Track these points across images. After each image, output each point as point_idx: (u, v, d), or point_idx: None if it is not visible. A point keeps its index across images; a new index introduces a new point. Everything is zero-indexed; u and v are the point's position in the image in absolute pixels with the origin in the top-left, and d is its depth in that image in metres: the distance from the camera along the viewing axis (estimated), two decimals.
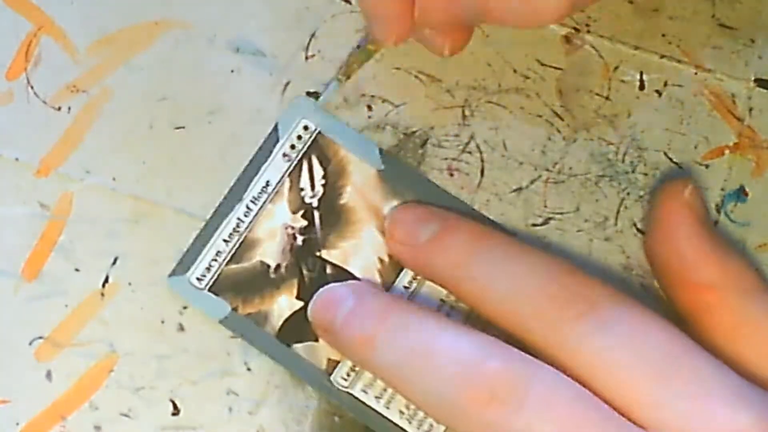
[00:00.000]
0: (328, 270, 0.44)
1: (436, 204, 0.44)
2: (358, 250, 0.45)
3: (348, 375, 0.43)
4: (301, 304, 0.44)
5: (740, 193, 0.46)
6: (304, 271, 0.44)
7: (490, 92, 0.46)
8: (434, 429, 0.42)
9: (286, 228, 0.45)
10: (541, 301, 0.39)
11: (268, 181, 0.45)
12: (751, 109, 0.47)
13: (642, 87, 0.47)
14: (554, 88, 0.47)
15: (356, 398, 0.43)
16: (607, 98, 0.47)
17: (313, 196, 0.45)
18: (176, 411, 0.44)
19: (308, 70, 0.46)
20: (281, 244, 0.45)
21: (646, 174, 0.46)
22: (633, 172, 0.46)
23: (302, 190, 0.45)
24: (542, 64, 0.47)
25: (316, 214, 0.45)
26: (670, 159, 0.46)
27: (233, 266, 0.44)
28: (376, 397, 0.43)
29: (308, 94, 0.46)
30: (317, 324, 0.43)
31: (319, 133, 0.45)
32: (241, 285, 0.44)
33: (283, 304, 0.44)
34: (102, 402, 0.43)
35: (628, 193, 0.46)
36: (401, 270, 0.44)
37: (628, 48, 0.47)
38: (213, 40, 0.46)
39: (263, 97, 0.46)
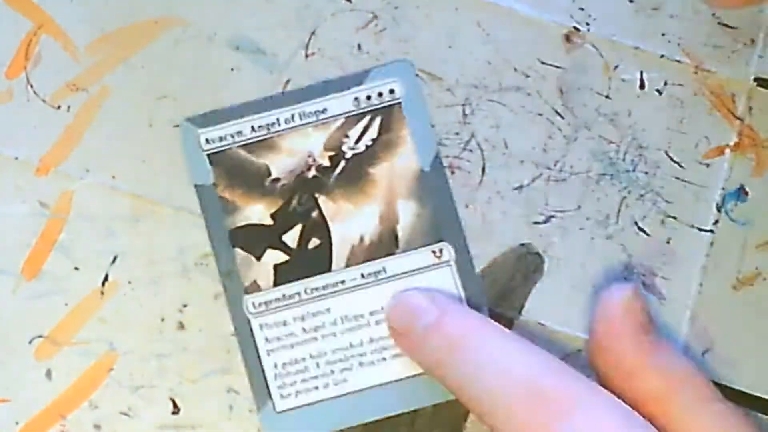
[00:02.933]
0: (313, 214, 0.44)
1: (445, 226, 0.45)
2: (350, 218, 0.44)
3: (259, 305, 0.43)
4: (270, 222, 0.44)
5: (740, 193, 0.46)
6: (293, 201, 0.44)
7: (491, 91, 0.46)
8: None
9: (309, 156, 0.45)
10: (514, 403, 0.38)
11: (325, 109, 0.45)
12: (751, 109, 0.47)
13: (642, 86, 0.47)
14: (555, 87, 0.47)
15: (250, 327, 0.43)
16: (607, 97, 0.47)
17: (351, 149, 0.45)
18: (176, 409, 0.43)
19: (308, 69, 0.46)
20: (294, 165, 0.44)
21: (646, 173, 0.46)
22: (634, 170, 0.46)
23: (347, 137, 0.45)
24: (543, 63, 0.47)
25: (342, 164, 0.45)
26: (671, 158, 0.46)
27: (242, 152, 0.44)
28: (266, 339, 0.43)
29: None
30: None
31: (399, 103, 0.45)
32: (236, 171, 0.44)
33: (256, 213, 0.44)
34: (102, 401, 0.43)
35: (629, 192, 0.46)
36: (369, 260, 0.44)
37: (629, 47, 0.47)
38: (213, 38, 0.46)
39: (263, 95, 0.46)
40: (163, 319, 0.44)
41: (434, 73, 0.46)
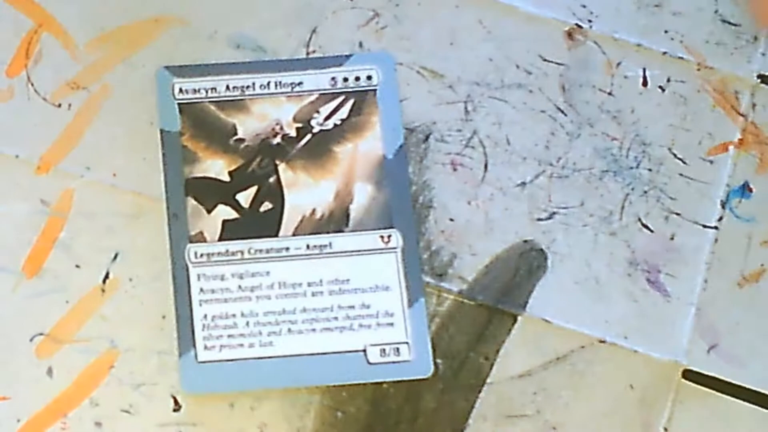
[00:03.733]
0: (271, 179, 0.45)
1: (398, 214, 0.45)
2: (305, 190, 0.45)
3: (200, 257, 0.44)
4: (227, 179, 0.44)
5: (745, 189, 0.46)
6: (254, 163, 0.45)
7: (493, 88, 0.46)
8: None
9: (277, 124, 0.45)
10: None
11: (302, 82, 0.45)
12: (754, 106, 0.47)
13: (645, 83, 0.47)
14: (557, 84, 0.46)
15: (188, 276, 0.44)
16: (610, 94, 0.46)
17: (320, 125, 0.45)
18: (177, 407, 0.43)
19: None
20: (260, 130, 0.45)
21: (650, 169, 0.46)
22: (637, 167, 0.46)
23: (317, 113, 0.45)
24: (545, 60, 0.47)
25: (308, 137, 0.45)
26: (674, 155, 0.46)
27: (213, 107, 0.45)
28: (201, 290, 0.43)
29: None
30: None
31: (374, 90, 0.45)
32: (204, 124, 0.45)
33: (215, 167, 0.45)
34: (102, 398, 0.43)
35: (633, 189, 0.46)
36: (316, 233, 0.44)
37: (631, 44, 0.47)
38: (213, 36, 0.46)
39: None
40: (164, 317, 0.44)
41: (436, 71, 0.46)
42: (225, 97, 0.45)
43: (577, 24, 0.47)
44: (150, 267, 0.44)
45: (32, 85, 0.45)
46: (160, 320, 0.44)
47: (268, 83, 0.45)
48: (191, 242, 0.44)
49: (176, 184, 0.44)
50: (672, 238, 0.45)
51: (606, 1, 0.47)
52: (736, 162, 0.46)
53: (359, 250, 0.44)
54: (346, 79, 0.45)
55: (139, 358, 0.43)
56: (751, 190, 0.46)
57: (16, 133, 0.45)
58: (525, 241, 0.45)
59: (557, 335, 0.44)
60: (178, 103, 0.44)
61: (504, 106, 0.46)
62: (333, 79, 0.45)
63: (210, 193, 0.44)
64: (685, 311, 0.45)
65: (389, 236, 0.44)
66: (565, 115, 0.46)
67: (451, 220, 0.45)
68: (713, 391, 0.44)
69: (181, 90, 0.45)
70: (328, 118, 0.45)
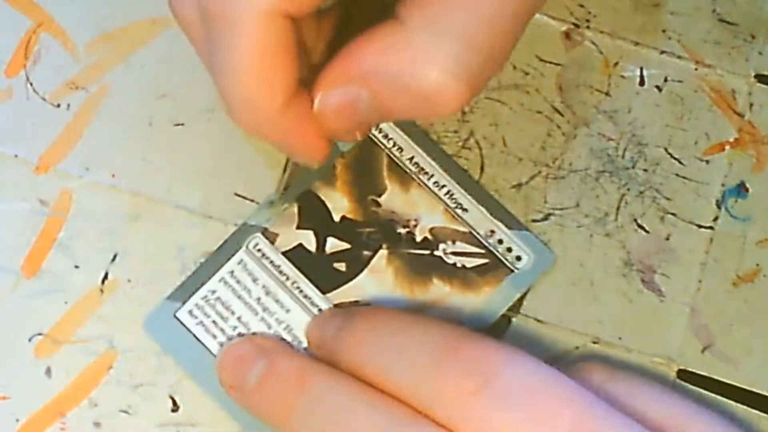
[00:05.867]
0: (363, 252, 0.44)
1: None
2: (379, 286, 0.44)
3: (258, 250, 0.44)
4: (337, 219, 0.45)
5: (741, 189, 0.46)
6: (366, 228, 0.44)
7: (490, 88, 0.46)
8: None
9: (415, 220, 0.45)
10: (436, 379, 0.37)
11: (467, 210, 0.45)
12: (751, 105, 0.47)
13: (642, 82, 0.47)
14: (554, 84, 0.47)
15: (236, 251, 0.44)
16: (607, 94, 0.47)
17: (444, 253, 0.44)
18: (176, 407, 0.44)
19: None
20: (398, 209, 0.45)
21: (646, 170, 0.46)
22: (633, 167, 0.46)
23: (453, 243, 0.45)
24: (542, 60, 0.47)
25: (425, 252, 0.44)
26: (671, 155, 0.46)
27: (385, 158, 0.45)
28: (231, 272, 0.44)
29: None
30: (226, 382, 0.42)
31: (511, 270, 0.44)
32: (363, 164, 0.45)
33: (340, 201, 0.45)
34: (101, 398, 0.43)
35: (629, 189, 0.46)
36: None
37: (628, 43, 0.47)
38: None
39: None
40: None
41: None
42: (400, 161, 0.45)
43: (574, 24, 0.47)
44: (149, 268, 0.44)
45: (31, 85, 0.46)
46: None
47: (438, 181, 0.45)
48: (263, 234, 0.44)
49: (301, 184, 0.44)
50: (667, 239, 0.46)
51: (603, 1, 0.47)
52: (732, 162, 0.46)
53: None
54: (501, 241, 0.44)
55: (137, 358, 0.44)
56: (747, 190, 0.46)
57: (14, 133, 0.45)
58: None
59: (551, 336, 0.44)
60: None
61: (501, 107, 0.46)
62: (492, 232, 0.45)
63: (312, 214, 0.44)
64: (679, 311, 0.45)
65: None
66: (562, 115, 0.46)
67: None
68: (708, 392, 0.45)
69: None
70: (456, 254, 0.44)
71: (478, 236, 0.44)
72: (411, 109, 0.37)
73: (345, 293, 0.44)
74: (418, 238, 0.44)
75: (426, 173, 0.45)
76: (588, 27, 0.47)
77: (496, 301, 0.44)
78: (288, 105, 0.37)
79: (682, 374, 0.44)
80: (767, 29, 0.48)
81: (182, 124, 0.45)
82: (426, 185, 0.45)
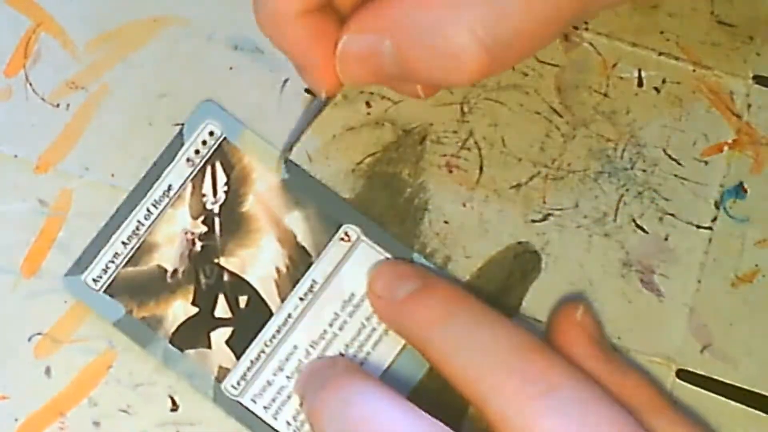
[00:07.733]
0: (225, 277, 0.44)
1: (336, 212, 0.45)
2: (257, 259, 0.44)
3: (238, 384, 0.43)
4: (196, 310, 0.44)
5: (739, 190, 0.46)
6: (201, 278, 0.44)
7: (489, 89, 0.46)
8: None
9: (186, 233, 0.44)
10: (503, 374, 0.38)
11: (170, 185, 0.44)
12: (749, 106, 0.47)
13: (640, 84, 0.47)
14: (553, 85, 0.47)
15: (245, 407, 0.43)
16: (605, 95, 0.47)
17: (214, 203, 0.44)
18: (175, 407, 0.44)
19: None
20: (180, 249, 0.44)
21: (644, 170, 0.46)
22: (632, 168, 0.46)
23: (204, 195, 0.44)
24: (540, 62, 0.47)
25: (217, 221, 0.44)
26: (669, 155, 0.46)
27: (130, 269, 0.44)
28: (265, 407, 0.43)
29: (306, 91, 0.46)
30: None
31: (225, 139, 0.45)
32: (138, 288, 0.44)
33: (178, 310, 0.44)
34: (101, 398, 0.43)
35: (627, 190, 0.46)
36: (297, 282, 0.44)
37: (627, 45, 0.47)
38: (212, 37, 0.46)
39: (262, 94, 0.46)
40: None
41: None
42: (129, 251, 0.44)
43: (573, 25, 0.47)
44: None
45: (30, 84, 0.46)
46: None
47: (148, 210, 0.44)
48: (220, 381, 0.43)
49: (168, 352, 0.44)
50: (666, 239, 0.46)
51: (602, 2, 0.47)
52: (731, 162, 0.46)
53: (337, 265, 0.44)
54: (197, 151, 0.44)
55: (137, 358, 0.44)
56: (745, 191, 0.46)
57: (14, 133, 0.45)
58: (519, 243, 0.45)
59: None
60: (103, 291, 0.44)
61: (500, 108, 0.46)
62: (188, 160, 0.44)
63: (195, 336, 0.44)
64: (678, 311, 0.45)
65: (346, 233, 0.44)
66: (561, 116, 0.46)
67: (446, 222, 0.45)
68: (707, 391, 0.45)
69: (94, 280, 0.44)
70: (215, 192, 0.44)
71: (193, 176, 0.45)
72: (430, 68, 0.37)
73: (270, 293, 0.44)
74: (204, 229, 0.44)
75: (136, 230, 0.44)
76: (586, 29, 0.47)
77: (262, 152, 0.45)
78: (306, 15, 0.38)
79: (681, 374, 0.45)
80: (765, 31, 0.48)
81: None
82: (149, 227, 0.44)
